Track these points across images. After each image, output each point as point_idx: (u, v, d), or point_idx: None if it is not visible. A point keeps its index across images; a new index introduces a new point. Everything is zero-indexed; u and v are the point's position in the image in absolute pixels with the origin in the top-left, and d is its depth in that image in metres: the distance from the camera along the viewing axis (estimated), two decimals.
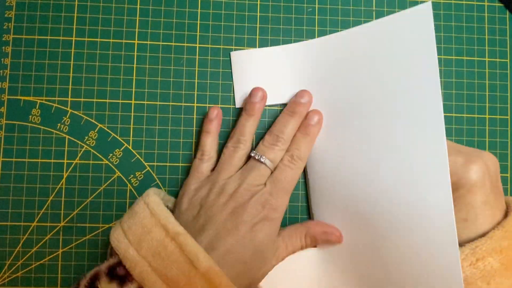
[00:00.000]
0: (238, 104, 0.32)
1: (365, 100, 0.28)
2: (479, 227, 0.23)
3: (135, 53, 0.32)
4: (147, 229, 0.22)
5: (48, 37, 0.32)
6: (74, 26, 0.32)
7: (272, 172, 0.28)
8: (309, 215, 0.32)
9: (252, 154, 0.28)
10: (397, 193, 0.26)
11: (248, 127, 0.29)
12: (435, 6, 0.33)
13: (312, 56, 0.31)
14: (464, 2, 0.34)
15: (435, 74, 0.24)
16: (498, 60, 0.33)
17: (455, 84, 0.33)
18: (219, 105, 0.32)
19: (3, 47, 0.31)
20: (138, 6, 0.32)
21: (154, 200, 0.25)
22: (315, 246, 0.29)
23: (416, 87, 0.25)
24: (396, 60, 0.26)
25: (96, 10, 0.32)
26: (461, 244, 0.22)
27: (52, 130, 0.31)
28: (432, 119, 0.24)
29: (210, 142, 0.30)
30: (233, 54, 0.32)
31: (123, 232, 0.23)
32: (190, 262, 0.21)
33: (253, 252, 0.24)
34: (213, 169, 0.29)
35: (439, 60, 0.33)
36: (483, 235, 0.22)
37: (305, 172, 0.31)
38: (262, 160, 0.27)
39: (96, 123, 0.31)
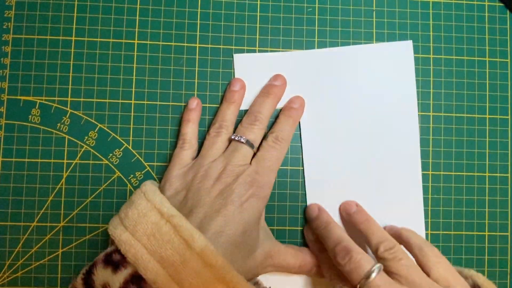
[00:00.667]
0: (242, 106, 0.32)
1: (352, 110, 0.32)
2: None
3: (135, 53, 0.32)
4: (142, 213, 0.22)
5: (48, 37, 0.31)
6: (74, 26, 0.32)
7: (255, 153, 0.29)
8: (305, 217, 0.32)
9: (232, 137, 0.28)
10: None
11: (229, 114, 0.30)
12: (435, 6, 0.33)
13: (312, 66, 0.32)
14: (464, 2, 0.34)
15: (413, 94, 0.32)
16: (498, 60, 0.33)
17: (455, 84, 0.33)
18: (219, 106, 0.32)
19: (3, 47, 0.31)
20: (138, 6, 0.32)
21: (150, 188, 0.25)
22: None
23: (395, 107, 0.32)
24: (381, 80, 0.32)
25: (96, 9, 0.32)
26: None
27: (52, 130, 0.31)
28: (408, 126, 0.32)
29: (191, 131, 0.30)
30: (236, 57, 0.32)
31: (119, 220, 0.23)
32: (185, 242, 0.21)
33: (242, 232, 0.24)
34: (194, 158, 0.30)
35: (439, 60, 0.33)
36: None
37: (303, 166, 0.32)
38: (242, 140, 0.28)
39: (96, 123, 0.31)
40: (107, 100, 0.31)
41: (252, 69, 0.32)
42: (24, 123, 0.31)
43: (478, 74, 0.33)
